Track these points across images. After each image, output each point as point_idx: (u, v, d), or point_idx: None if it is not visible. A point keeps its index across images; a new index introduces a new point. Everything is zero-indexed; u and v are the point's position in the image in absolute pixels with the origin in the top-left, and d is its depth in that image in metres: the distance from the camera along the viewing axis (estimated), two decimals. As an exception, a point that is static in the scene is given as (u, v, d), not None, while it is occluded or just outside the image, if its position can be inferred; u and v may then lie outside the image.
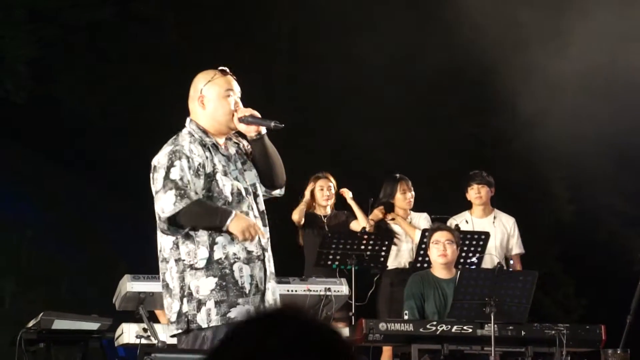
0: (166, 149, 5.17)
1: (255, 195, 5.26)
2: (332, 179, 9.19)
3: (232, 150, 5.31)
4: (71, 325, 7.76)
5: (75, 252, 12.41)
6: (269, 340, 1.90)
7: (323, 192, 9.11)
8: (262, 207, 5.29)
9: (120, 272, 7.45)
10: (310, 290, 7.44)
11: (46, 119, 12.77)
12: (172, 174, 5.07)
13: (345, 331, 7.53)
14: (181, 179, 5.05)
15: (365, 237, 8.62)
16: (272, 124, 5.17)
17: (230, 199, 5.14)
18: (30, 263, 12.69)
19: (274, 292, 5.25)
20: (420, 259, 8.49)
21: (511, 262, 8.89)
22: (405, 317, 7.62)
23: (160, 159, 5.15)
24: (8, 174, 12.95)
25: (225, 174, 5.16)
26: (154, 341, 6.91)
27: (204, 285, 5.07)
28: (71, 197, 12.45)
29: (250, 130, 5.20)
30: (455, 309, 7.39)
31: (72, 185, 12.46)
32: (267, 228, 5.27)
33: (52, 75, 13.45)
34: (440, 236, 7.87)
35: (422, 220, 9.10)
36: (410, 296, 7.77)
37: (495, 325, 7.24)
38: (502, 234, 8.96)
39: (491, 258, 8.35)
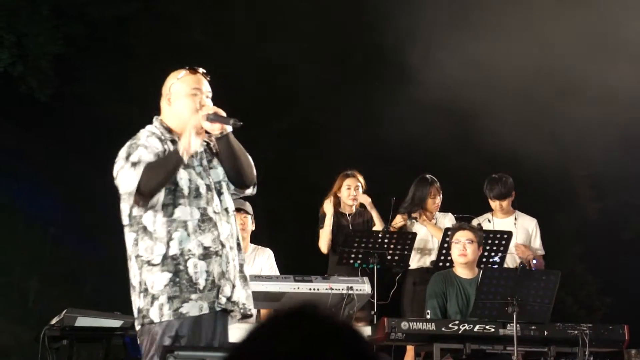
0: (125, 146, 5.20)
1: (220, 193, 5.24)
2: (360, 177, 9.15)
3: (199, 148, 5.26)
4: (94, 323, 7.78)
5: (99, 250, 12.47)
6: (290, 339, 1.90)
7: (350, 192, 9.08)
8: (228, 205, 5.27)
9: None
10: (333, 289, 7.44)
11: (70, 116, 12.82)
12: (130, 159, 5.09)
13: (367, 330, 7.53)
14: (139, 159, 5.07)
15: (388, 236, 8.61)
16: (231, 121, 5.14)
17: (186, 192, 5.14)
18: (54, 260, 12.75)
19: (241, 290, 5.21)
20: (442, 258, 8.48)
21: (534, 261, 8.86)
22: (428, 317, 7.61)
23: (119, 154, 5.18)
24: (32, 171, 13.01)
25: (186, 167, 5.15)
26: (176, 338, 6.92)
27: (158, 280, 5.08)
28: (95, 195, 12.50)
29: (215, 129, 5.17)
30: (477, 309, 7.37)
31: (97, 182, 12.51)
32: (230, 225, 5.23)
33: (77, 72, 13.51)
34: (460, 235, 7.85)
35: (447, 220, 9.06)
36: (433, 296, 7.76)
37: (518, 325, 7.21)
38: (524, 235, 8.92)
39: (513, 257, 8.33)
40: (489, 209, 9.07)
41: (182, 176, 5.15)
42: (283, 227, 12.82)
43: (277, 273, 7.98)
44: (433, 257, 8.86)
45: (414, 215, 9.07)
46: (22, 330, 11.39)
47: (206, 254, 5.12)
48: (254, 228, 8.11)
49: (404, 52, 12.07)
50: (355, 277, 7.79)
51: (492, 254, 8.37)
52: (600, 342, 7.50)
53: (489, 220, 8.99)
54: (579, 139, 12.62)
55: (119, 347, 8.03)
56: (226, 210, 5.26)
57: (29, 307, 12.08)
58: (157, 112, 5.36)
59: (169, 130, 5.26)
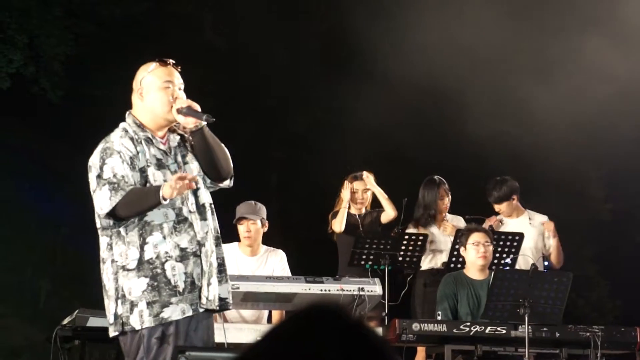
0: (98, 148, 5.14)
1: (196, 189, 5.14)
2: (370, 176, 9.11)
3: (174, 142, 5.21)
4: (106, 323, 7.72)
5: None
6: (306, 340, 1.90)
7: (358, 195, 9.05)
8: (204, 200, 5.19)
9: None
10: (344, 290, 7.44)
11: (82, 116, 12.84)
12: (105, 173, 5.03)
13: (378, 331, 7.52)
14: (114, 175, 5.01)
15: (399, 237, 8.60)
16: (204, 117, 5.07)
17: None
18: (66, 261, 12.76)
19: (216, 287, 5.14)
20: (453, 259, 8.46)
21: (545, 263, 8.84)
22: (439, 318, 7.60)
23: (93, 159, 5.12)
24: (44, 172, 13.03)
25: (160, 167, 5.09)
26: (188, 339, 6.92)
27: (136, 286, 5.02)
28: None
29: (189, 122, 5.09)
30: (489, 310, 7.36)
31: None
32: (207, 222, 5.16)
33: (88, 72, 13.52)
34: (479, 237, 7.84)
35: (459, 223, 9.02)
36: (444, 297, 7.75)
37: (530, 327, 7.20)
38: (538, 233, 8.90)
39: (525, 259, 8.31)
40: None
41: (157, 177, 5.08)
42: (294, 228, 12.82)
43: (289, 274, 7.98)
44: (444, 258, 8.84)
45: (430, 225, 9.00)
46: (34, 331, 11.41)
47: (183, 256, 5.06)
48: (266, 230, 8.10)
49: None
50: (366, 278, 7.79)
51: (504, 255, 8.36)
52: (612, 344, 7.48)
53: (502, 222, 8.97)
54: (591, 140, 12.60)
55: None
56: (202, 206, 5.17)
57: (40, 307, 12.11)
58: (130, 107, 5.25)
59: (142, 126, 5.16)
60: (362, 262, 8.53)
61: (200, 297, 5.08)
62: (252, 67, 13.76)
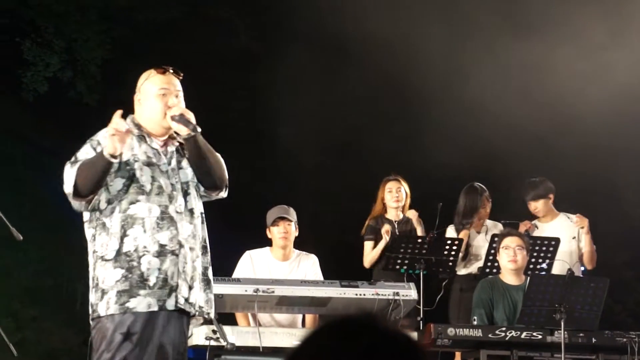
0: None
1: (186, 194, 5.21)
2: (403, 182, 9.11)
3: (172, 147, 5.27)
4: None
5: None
6: (345, 349, 1.90)
7: (392, 194, 9.05)
8: (193, 205, 5.23)
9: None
10: (379, 295, 7.43)
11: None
12: (76, 158, 5.12)
13: (414, 336, 7.49)
14: (75, 156, 5.12)
15: (434, 242, 8.58)
16: (190, 126, 5.12)
17: (148, 188, 5.13)
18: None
19: (197, 289, 5.15)
20: (489, 264, 8.44)
21: (582, 268, 8.79)
22: (474, 323, 7.58)
23: None
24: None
25: (149, 165, 5.16)
26: (223, 343, 6.95)
27: (110, 276, 5.08)
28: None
29: (181, 130, 5.15)
30: (524, 315, 7.33)
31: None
32: (195, 227, 5.19)
33: (124, 76, 13.58)
34: (510, 242, 7.82)
35: (498, 230, 8.97)
36: (479, 302, 7.72)
37: (566, 332, 7.17)
38: (572, 236, 8.85)
39: (561, 264, 8.28)
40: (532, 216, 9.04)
41: (145, 173, 5.15)
42: (328, 232, 12.82)
43: (322, 279, 7.97)
44: (481, 263, 8.80)
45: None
46: (71, 334, 11.47)
47: (161, 252, 5.09)
48: (297, 234, 8.10)
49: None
50: (401, 283, 7.78)
51: (540, 260, 8.32)
52: (649, 350, 7.43)
53: (537, 226, 8.94)
54: (627, 142, 12.52)
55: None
56: (191, 211, 5.21)
57: (77, 310, 12.16)
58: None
59: (139, 127, 5.26)
60: (397, 267, 8.52)
61: (171, 296, 5.08)
62: (287, 70, 13.77)
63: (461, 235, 8.82)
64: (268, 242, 8.10)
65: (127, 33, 13.71)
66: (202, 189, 5.30)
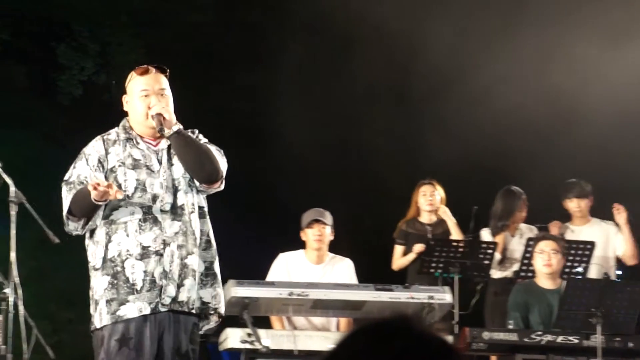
0: None
1: (176, 190, 5.17)
2: (437, 185, 9.09)
3: (164, 145, 5.25)
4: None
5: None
6: (378, 352, 1.89)
7: (426, 198, 9.03)
8: (183, 201, 5.18)
9: (224, 277, 7.50)
10: (414, 298, 7.41)
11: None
12: (71, 176, 5.18)
13: (448, 340, 7.47)
14: (78, 176, 5.15)
15: (469, 245, 8.55)
16: (160, 128, 5.12)
17: (130, 191, 5.12)
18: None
19: (192, 289, 5.11)
20: (524, 268, 8.39)
21: (619, 272, 8.73)
22: (510, 327, 7.55)
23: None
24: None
25: (135, 167, 5.16)
26: (258, 346, 6.96)
27: (99, 284, 5.10)
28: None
29: (161, 126, 5.16)
30: (560, 319, 7.30)
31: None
32: (184, 224, 5.14)
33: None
34: (545, 245, 7.78)
35: (532, 233, 8.93)
36: (515, 306, 7.70)
37: (602, 336, 7.13)
38: (604, 239, 8.80)
39: (597, 268, 8.22)
40: (566, 219, 8.99)
41: (129, 177, 5.16)
42: (362, 235, 12.80)
43: (356, 283, 7.95)
44: (515, 267, 8.76)
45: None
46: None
47: (144, 254, 5.07)
48: (332, 238, 8.09)
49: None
50: (436, 287, 7.75)
51: (575, 264, 8.27)
52: (688, 354, 7.38)
53: (572, 230, 8.89)
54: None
55: (201, 354, 8.06)
56: (180, 207, 5.17)
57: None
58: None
59: (130, 129, 5.28)
60: (432, 270, 8.50)
61: (161, 297, 5.06)
62: (315, 74, 13.76)
63: (497, 239, 8.78)
64: (302, 245, 8.09)
65: (160, 37, 13.75)
66: (196, 183, 5.26)
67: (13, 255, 6.54)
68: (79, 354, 11.87)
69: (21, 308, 6.55)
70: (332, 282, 7.76)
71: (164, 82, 5.29)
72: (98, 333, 5.10)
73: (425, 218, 9.04)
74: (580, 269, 8.26)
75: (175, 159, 5.24)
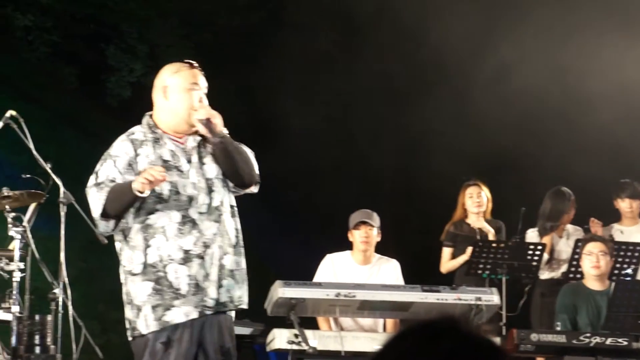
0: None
1: (211, 190, 5.14)
2: (483, 186, 9.05)
3: (193, 143, 5.18)
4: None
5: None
6: (426, 353, 1.89)
7: (473, 199, 9.00)
8: (219, 202, 5.15)
9: (270, 278, 7.53)
10: (461, 300, 7.38)
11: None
12: (98, 178, 5.10)
13: (496, 341, 7.44)
14: (107, 177, 5.07)
15: (517, 246, 8.51)
16: (213, 136, 5.06)
17: (166, 195, 5.07)
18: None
19: (233, 288, 5.12)
20: (572, 269, 8.34)
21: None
22: (558, 329, 7.51)
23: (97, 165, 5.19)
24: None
25: (167, 169, 5.03)
26: (305, 347, 6.96)
27: (141, 290, 5.05)
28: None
29: (208, 134, 5.11)
30: (609, 321, 7.25)
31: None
32: (219, 224, 5.13)
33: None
34: (593, 247, 7.73)
35: (580, 235, 8.87)
36: (562, 308, 7.65)
37: (651, 339, 7.07)
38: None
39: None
40: (614, 220, 8.92)
41: None
42: (409, 236, 12.78)
43: (403, 284, 7.94)
44: (564, 268, 8.70)
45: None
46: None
47: (186, 258, 5.04)
48: (379, 239, 8.08)
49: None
50: (483, 288, 7.72)
51: (625, 265, 8.20)
52: None
53: (621, 232, 8.82)
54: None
55: (248, 355, 8.09)
56: (217, 208, 5.15)
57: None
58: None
59: (155, 127, 5.18)
60: (480, 272, 8.47)
61: (204, 300, 5.06)
62: (368, 74, 13.77)
63: (544, 240, 8.73)
64: (349, 246, 8.09)
65: (209, 38, 13.81)
66: (230, 184, 5.24)
67: (62, 255, 6.59)
68: (127, 354, 11.95)
69: (70, 308, 6.61)
70: (378, 283, 7.76)
71: (205, 82, 5.27)
72: (141, 339, 5.08)
73: (473, 220, 9.00)
74: (629, 271, 8.19)
75: (207, 159, 5.19)
